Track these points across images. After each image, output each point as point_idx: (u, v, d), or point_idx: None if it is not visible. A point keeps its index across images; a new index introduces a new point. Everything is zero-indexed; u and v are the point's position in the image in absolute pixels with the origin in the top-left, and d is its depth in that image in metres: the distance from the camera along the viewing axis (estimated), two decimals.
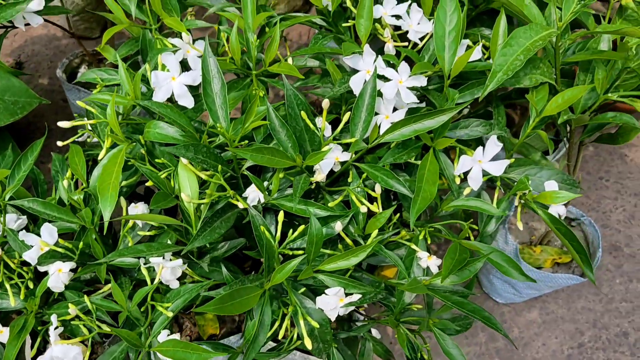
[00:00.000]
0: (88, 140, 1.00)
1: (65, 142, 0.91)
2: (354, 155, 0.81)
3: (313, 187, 0.83)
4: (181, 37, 0.92)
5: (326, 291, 0.73)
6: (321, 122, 0.81)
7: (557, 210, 0.85)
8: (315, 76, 0.99)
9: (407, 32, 0.91)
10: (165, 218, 0.73)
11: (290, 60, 0.94)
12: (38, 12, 1.07)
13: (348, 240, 0.79)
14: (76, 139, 0.94)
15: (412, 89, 0.83)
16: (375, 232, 0.79)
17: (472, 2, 1.01)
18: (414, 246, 0.84)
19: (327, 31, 0.97)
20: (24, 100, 1.02)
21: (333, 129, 0.83)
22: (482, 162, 0.82)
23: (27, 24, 1.07)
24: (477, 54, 0.92)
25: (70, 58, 1.50)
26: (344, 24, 0.94)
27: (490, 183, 0.93)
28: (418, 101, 0.82)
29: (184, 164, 0.75)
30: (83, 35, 1.82)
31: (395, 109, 0.85)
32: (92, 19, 1.80)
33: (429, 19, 0.93)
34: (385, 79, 0.82)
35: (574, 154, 1.06)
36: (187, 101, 0.83)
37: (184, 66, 0.94)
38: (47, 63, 1.79)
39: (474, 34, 1.02)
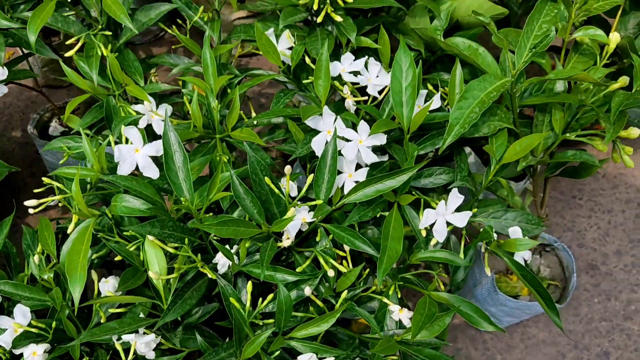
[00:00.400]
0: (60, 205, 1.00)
1: (36, 211, 0.92)
2: (320, 216, 0.82)
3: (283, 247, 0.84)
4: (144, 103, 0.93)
5: (298, 358, 0.74)
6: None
7: (522, 256, 0.86)
8: (281, 131, 1.00)
9: (366, 86, 0.93)
10: (135, 298, 0.74)
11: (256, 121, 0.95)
12: (2, 81, 1.07)
13: (318, 302, 0.80)
14: (49, 203, 0.94)
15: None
16: (345, 293, 0.80)
17: (429, 49, 1.03)
18: (385, 300, 0.85)
19: (289, 88, 0.99)
20: None
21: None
22: (446, 214, 0.84)
23: None
24: (436, 102, 0.94)
25: (40, 113, 1.50)
26: (305, 81, 0.95)
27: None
28: (378, 160, 0.84)
29: (151, 240, 0.76)
30: (53, 84, 1.82)
31: (359, 165, 0.87)
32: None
33: (388, 71, 0.95)
34: (346, 139, 0.84)
35: (539, 189, 1.08)
36: (152, 172, 0.84)
37: (150, 131, 0.95)
38: (20, 115, 1.79)
39: (434, 78, 1.04)
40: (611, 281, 1.53)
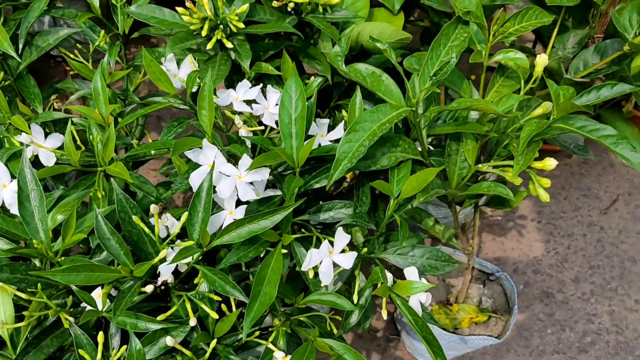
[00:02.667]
0: None
1: None
2: (191, 259, 0.76)
3: (159, 291, 0.79)
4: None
5: None
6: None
7: (419, 299, 0.80)
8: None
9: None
10: None
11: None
12: None
13: (187, 352, 0.74)
14: None
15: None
16: (214, 341, 0.74)
17: (343, 76, 0.98)
18: (270, 345, 0.79)
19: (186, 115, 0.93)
20: None
21: None
22: (333, 254, 0.78)
23: None
24: (340, 131, 0.88)
25: None
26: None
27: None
28: (257, 197, 0.78)
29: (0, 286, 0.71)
30: None
31: (247, 203, 0.81)
32: None
33: None
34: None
35: (468, 222, 1.02)
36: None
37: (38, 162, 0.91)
38: None
39: (346, 104, 0.99)
40: (567, 310, 1.46)
